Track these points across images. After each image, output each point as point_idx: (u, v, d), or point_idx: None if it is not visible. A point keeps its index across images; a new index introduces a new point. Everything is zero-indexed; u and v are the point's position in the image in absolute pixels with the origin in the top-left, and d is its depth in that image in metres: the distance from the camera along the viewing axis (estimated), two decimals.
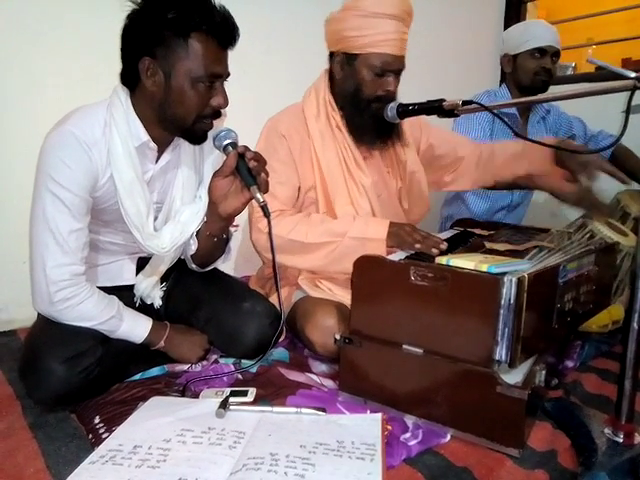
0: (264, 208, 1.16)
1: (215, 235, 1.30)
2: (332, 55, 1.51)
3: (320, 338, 1.35)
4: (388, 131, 1.48)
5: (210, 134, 1.20)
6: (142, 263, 1.37)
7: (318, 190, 1.49)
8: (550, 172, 1.52)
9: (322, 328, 1.34)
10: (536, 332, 1.04)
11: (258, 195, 1.15)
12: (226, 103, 1.16)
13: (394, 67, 1.42)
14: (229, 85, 1.18)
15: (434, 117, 1.34)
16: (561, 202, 1.60)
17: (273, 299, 1.48)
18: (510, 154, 1.62)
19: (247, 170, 1.16)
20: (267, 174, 1.19)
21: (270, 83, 2.16)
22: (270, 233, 1.20)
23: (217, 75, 1.13)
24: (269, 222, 1.19)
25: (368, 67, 1.42)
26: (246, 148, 1.18)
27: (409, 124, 1.62)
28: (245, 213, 1.33)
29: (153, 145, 1.20)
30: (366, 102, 1.45)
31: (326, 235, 1.39)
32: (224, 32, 1.11)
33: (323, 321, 1.35)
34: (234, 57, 1.18)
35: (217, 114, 1.18)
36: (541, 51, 1.94)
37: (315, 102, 1.52)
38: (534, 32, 1.96)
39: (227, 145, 1.18)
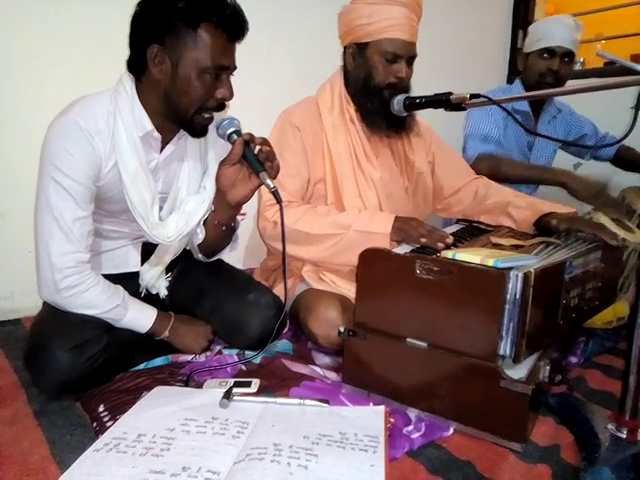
0: (275, 193, 1.17)
1: (223, 223, 1.30)
2: (345, 49, 1.52)
3: (322, 330, 1.35)
4: (399, 121, 1.48)
5: (212, 124, 1.20)
6: (147, 251, 1.37)
7: (327, 182, 1.49)
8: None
9: (324, 320, 1.35)
10: (541, 328, 1.04)
11: (268, 181, 1.16)
12: (231, 95, 1.16)
13: (405, 52, 1.42)
14: (235, 78, 1.18)
15: (441, 111, 1.33)
16: (574, 197, 1.60)
17: (277, 290, 1.48)
18: (500, 204, 1.58)
19: (254, 157, 1.17)
20: (275, 158, 1.19)
21: (277, 75, 2.15)
22: (282, 217, 1.21)
23: (224, 67, 1.13)
24: (281, 207, 1.19)
25: (379, 53, 1.42)
26: (251, 135, 1.18)
27: (422, 128, 1.63)
28: (253, 202, 1.32)
29: (157, 135, 1.20)
30: (377, 89, 1.45)
31: (331, 227, 1.39)
32: (233, 25, 1.11)
33: (325, 314, 1.35)
34: (241, 48, 1.18)
35: (221, 106, 1.18)
36: (550, 52, 1.89)
37: (330, 95, 1.53)
38: (547, 31, 1.90)
39: (232, 133, 1.18)
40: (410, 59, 1.45)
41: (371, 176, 1.50)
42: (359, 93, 1.49)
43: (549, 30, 1.90)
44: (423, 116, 1.57)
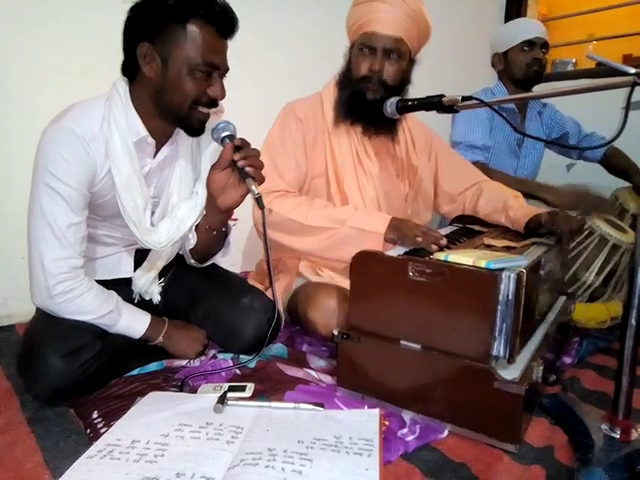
0: (258, 200, 1.17)
1: (214, 228, 1.30)
2: None
3: (322, 319, 1.37)
4: (374, 114, 1.45)
5: (208, 127, 1.20)
6: (140, 257, 1.37)
7: (330, 176, 1.51)
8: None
9: (324, 309, 1.37)
10: (526, 326, 1.06)
11: (253, 187, 1.16)
12: (223, 94, 1.16)
13: (379, 44, 1.42)
14: (229, 81, 1.18)
15: (433, 113, 1.33)
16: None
17: (271, 293, 1.48)
18: (496, 208, 1.55)
19: None
20: (262, 166, 1.19)
21: (270, 79, 2.15)
22: (264, 224, 1.21)
23: (214, 65, 1.12)
24: (263, 215, 1.20)
25: (357, 47, 1.46)
26: (243, 140, 1.18)
27: (422, 129, 1.65)
28: (244, 207, 1.32)
29: (151, 140, 1.20)
30: (353, 82, 1.47)
31: (326, 220, 1.40)
32: (223, 20, 1.12)
33: (324, 302, 1.37)
34: (235, 53, 1.18)
35: (213, 103, 1.17)
36: (530, 43, 1.98)
37: (333, 93, 1.55)
38: (521, 27, 2.02)
39: (224, 137, 1.18)
40: (388, 52, 1.44)
41: (370, 171, 1.52)
42: (339, 85, 1.53)
43: (523, 25, 2.05)
44: (417, 116, 1.57)
